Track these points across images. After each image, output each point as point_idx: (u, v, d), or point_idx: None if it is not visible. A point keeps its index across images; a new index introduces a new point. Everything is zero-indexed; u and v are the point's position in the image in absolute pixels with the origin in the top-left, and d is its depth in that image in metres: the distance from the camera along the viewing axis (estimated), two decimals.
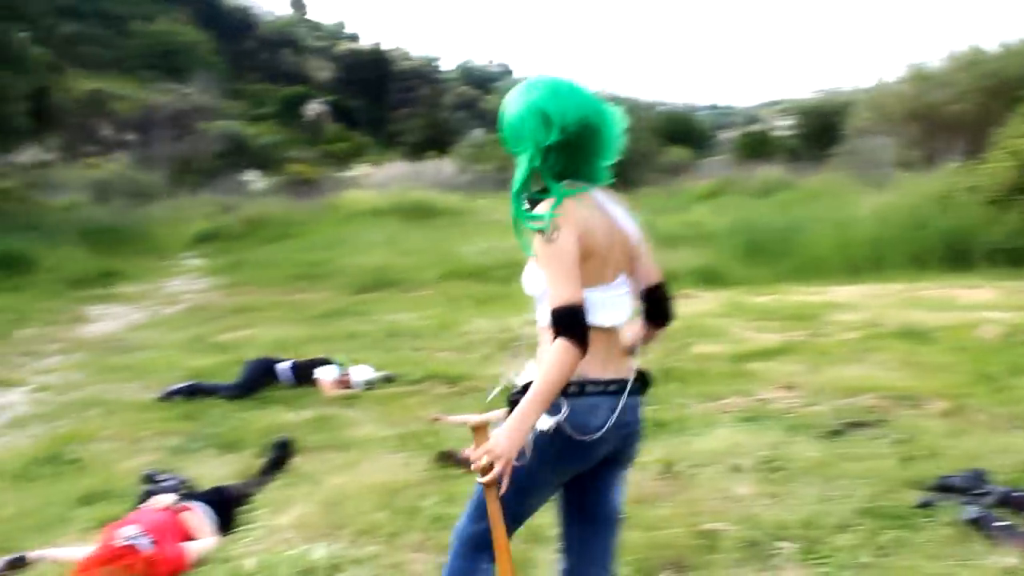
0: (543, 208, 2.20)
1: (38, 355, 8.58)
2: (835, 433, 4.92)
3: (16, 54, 19.58)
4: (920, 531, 3.60)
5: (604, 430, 2.23)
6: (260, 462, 4.85)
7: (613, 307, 2.28)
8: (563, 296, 2.11)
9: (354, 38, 72.00)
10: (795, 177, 22.77)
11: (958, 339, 7.08)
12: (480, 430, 2.25)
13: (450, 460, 4.59)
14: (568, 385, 2.17)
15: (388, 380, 6.66)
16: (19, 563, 3.68)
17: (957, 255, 11.47)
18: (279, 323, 9.89)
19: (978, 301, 8.73)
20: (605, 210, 2.31)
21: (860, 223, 12.88)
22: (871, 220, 12.93)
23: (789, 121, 37.14)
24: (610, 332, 2.29)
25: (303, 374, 6.61)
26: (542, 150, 2.23)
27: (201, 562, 3.69)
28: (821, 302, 9.21)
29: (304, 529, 3.92)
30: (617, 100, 2.39)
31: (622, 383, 2.29)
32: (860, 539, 3.55)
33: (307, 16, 74.87)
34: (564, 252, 2.14)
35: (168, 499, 4.14)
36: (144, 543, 3.60)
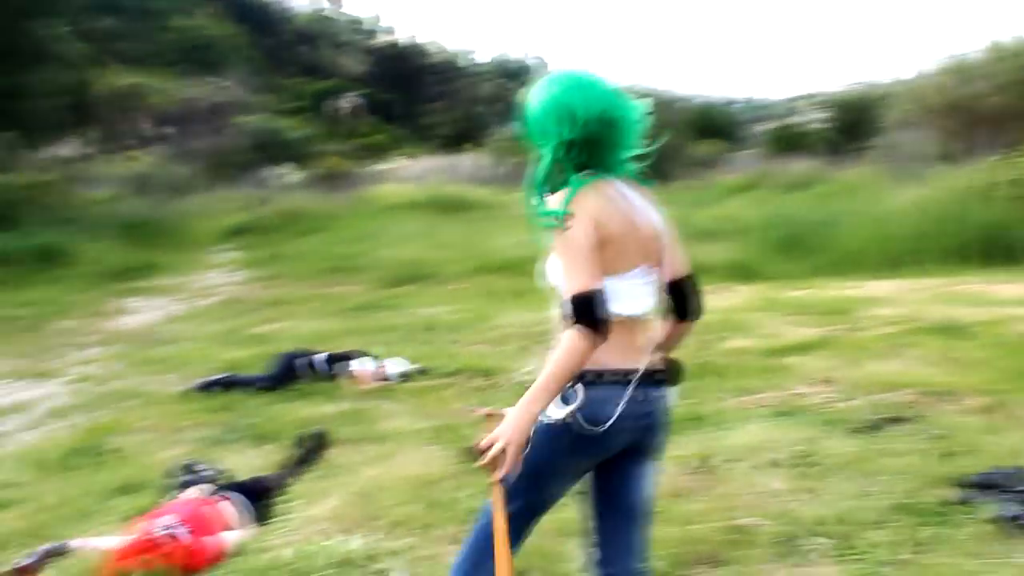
0: (557, 199, 2.22)
1: (77, 346, 8.70)
2: (871, 428, 4.88)
3: (55, 50, 19.81)
4: (957, 528, 3.56)
5: (612, 421, 2.22)
6: (295, 453, 4.89)
7: (631, 296, 2.27)
8: (579, 284, 2.12)
9: (389, 31, 72.03)
10: (829, 170, 22.56)
11: (997, 334, 6.98)
12: (492, 420, 2.26)
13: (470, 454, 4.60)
14: (585, 374, 2.18)
15: (422, 373, 6.69)
16: (59, 551, 3.72)
17: (996, 249, 11.28)
18: (314, 316, 9.96)
19: (1017, 296, 8.59)
20: (623, 200, 2.31)
21: (897, 217, 12.73)
22: (908, 214, 12.77)
23: (824, 114, 36.71)
24: (629, 322, 2.28)
25: (337, 366, 6.66)
26: (564, 143, 2.25)
27: (237, 552, 3.73)
28: (857, 297, 9.12)
29: (339, 520, 3.95)
30: (649, 94, 2.38)
31: (641, 374, 2.28)
32: (896, 535, 3.52)
33: (342, 9, 75.08)
34: (578, 241, 2.16)
35: (205, 490, 4.19)
36: (181, 533, 3.64)
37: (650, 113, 2.36)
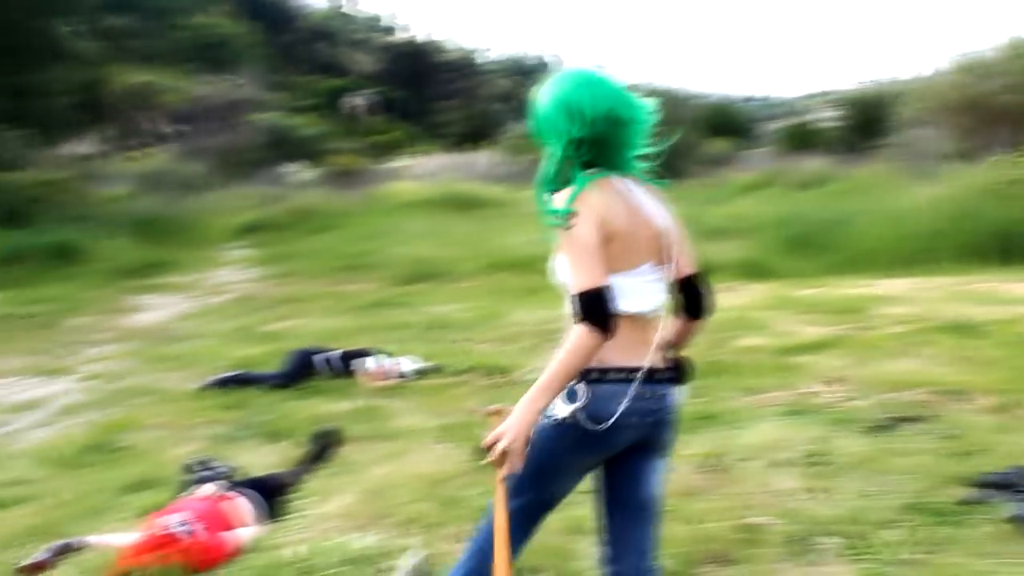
0: (562, 196, 2.23)
1: (91, 343, 8.76)
2: (884, 427, 4.86)
3: (70, 48, 19.91)
4: (968, 528, 3.55)
5: (616, 418, 2.22)
6: (308, 450, 4.91)
7: (637, 294, 2.27)
8: (585, 281, 2.13)
9: (405, 28, 72.01)
10: (843, 168, 22.48)
11: (1009, 334, 6.94)
12: (496, 417, 2.26)
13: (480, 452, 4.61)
14: (589, 371, 2.18)
15: (435, 370, 6.70)
16: (70, 549, 3.74)
17: (1012, 248, 11.22)
18: (326, 313, 9.99)
19: None
20: (630, 197, 2.31)
21: (911, 215, 12.67)
22: (923, 212, 12.71)
23: (835, 112, 36.58)
24: (635, 319, 2.28)
25: (349, 363, 6.68)
26: (572, 141, 2.26)
27: (251, 548, 3.74)
28: (868, 295, 9.08)
29: (350, 518, 3.97)
30: (662, 92, 2.38)
31: (647, 371, 2.28)
32: (906, 535, 3.51)
33: (355, 7, 75.11)
34: (584, 238, 2.17)
35: (216, 487, 4.20)
36: (196, 529, 3.66)
37: (658, 112, 2.36)
